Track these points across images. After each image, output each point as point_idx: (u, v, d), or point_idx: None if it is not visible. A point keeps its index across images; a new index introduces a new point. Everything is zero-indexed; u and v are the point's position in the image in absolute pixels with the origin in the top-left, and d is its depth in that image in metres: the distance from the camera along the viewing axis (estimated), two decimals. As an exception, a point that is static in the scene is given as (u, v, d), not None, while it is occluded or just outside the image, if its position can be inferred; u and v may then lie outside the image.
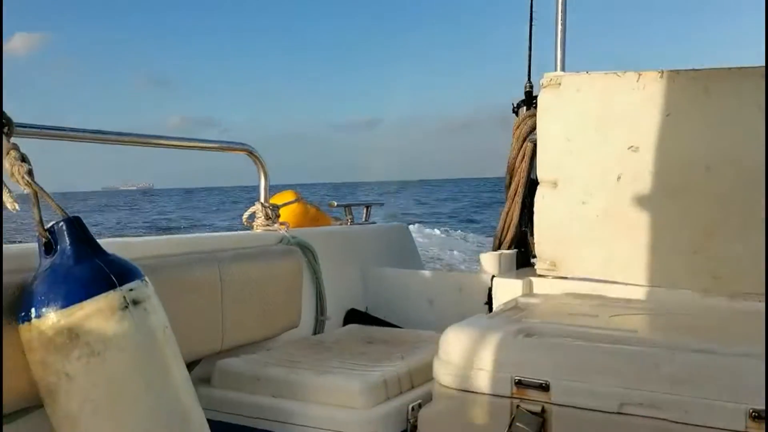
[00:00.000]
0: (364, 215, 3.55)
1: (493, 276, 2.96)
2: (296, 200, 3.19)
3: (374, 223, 3.56)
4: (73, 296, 1.42)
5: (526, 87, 3.53)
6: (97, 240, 1.55)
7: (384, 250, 3.49)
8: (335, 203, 3.36)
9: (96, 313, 1.41)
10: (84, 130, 2.16)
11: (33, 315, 1.43)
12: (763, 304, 2.21)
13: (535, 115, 3.07)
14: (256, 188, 2.86)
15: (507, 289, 2.86)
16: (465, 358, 1.86)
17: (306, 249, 2.81)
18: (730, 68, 2.53)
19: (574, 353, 1.76)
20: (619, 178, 2.71)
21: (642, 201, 2.66)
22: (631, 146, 2.67)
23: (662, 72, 2.61)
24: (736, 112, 2.49)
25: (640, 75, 2.65)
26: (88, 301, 1.42)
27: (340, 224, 3.41)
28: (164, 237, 2.39)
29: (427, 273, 3.26)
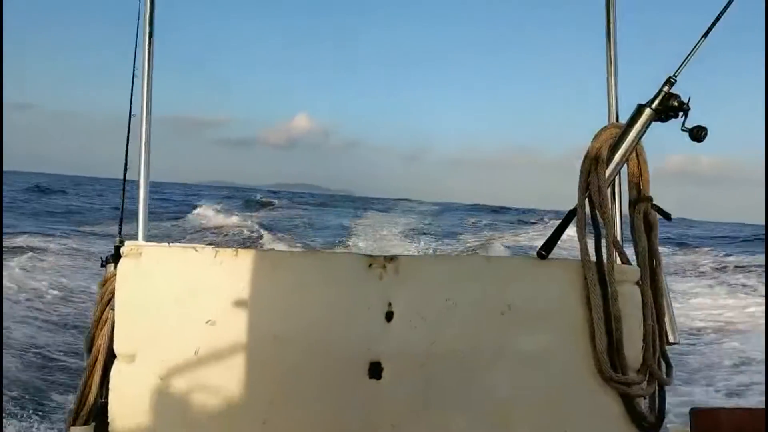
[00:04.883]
0: None
1: None
2: None
3: None
4: None
5: (116, 242, 3.38)
6: None
7: None
8: None
9: None
10: None
11: None
12: None
13: None
14: None
15: None
16: None
17: None
18: (292, 252, 2.82)
19: None
20: (196, 352, 2.71)
21: (218, 376, 2.70)
22: (209, 320, 2.72)
23: (237, 250, 2.76)
24: (300, 288, 2.74)
25: (217, 252, 2.76)
26: None
27: None
28: None
29: None
